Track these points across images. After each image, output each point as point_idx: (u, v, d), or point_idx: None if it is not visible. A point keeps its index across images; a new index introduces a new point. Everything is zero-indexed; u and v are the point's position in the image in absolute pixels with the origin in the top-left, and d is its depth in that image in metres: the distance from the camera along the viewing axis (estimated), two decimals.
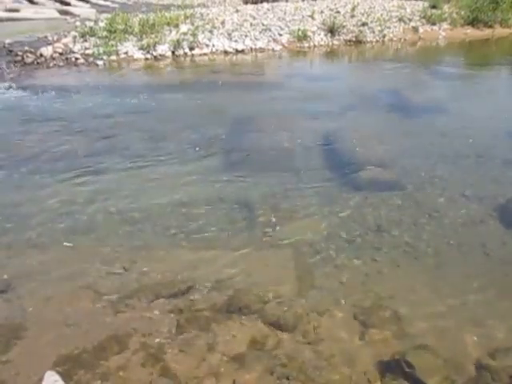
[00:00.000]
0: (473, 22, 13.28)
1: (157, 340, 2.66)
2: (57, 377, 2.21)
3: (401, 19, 12.95)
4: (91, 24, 12.04)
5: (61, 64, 9.32)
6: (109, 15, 13.87)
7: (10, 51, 9.74)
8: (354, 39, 11.95)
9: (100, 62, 9.49)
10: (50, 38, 10.86)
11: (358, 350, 2.77)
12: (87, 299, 3.01)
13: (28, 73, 8.71)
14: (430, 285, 3.36)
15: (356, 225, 4.12)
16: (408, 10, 13.48)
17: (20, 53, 9.51)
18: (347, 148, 5.45)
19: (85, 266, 3.37)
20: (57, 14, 16.63)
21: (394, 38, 12.35)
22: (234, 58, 10.51)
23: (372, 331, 2.92)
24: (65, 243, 3.68)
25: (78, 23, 13.06)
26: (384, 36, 12.23)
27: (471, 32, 13.16)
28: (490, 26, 13.35)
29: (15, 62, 9.26)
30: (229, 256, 3.60)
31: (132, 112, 6.80)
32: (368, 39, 12.07)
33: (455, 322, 3.02)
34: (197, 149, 5.52)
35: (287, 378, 2.49)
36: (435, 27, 12.94)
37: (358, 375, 2.58)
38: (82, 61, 9.52)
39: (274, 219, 4.18)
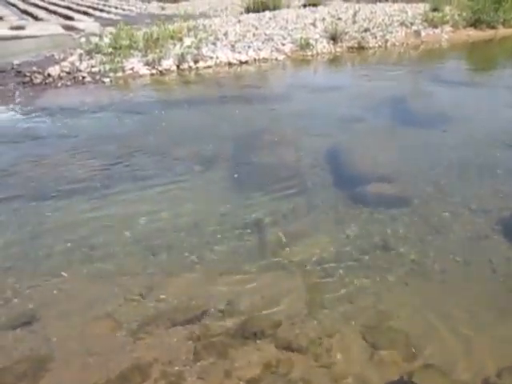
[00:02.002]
0: (475, 24, 13.33)
1: (176, 368, 2.79)
2: None
3: (402, 23, 13.03)
4: (96, 40, 12.28)
5: (68, 83, 9.52)
6: (113, 28, 14.19)
7: (19, 72, 9.97)
8: (356, 45, 12.05)
9: (107, 80, 9.69)
10: (56, 57, 11.10)
11: (368, 371, 2.88)
12: (108, 328, 3.15)
13: (37, 94, 8.91)
14: (437, 304, 3.46)
15: (364, 242, 4.23)
16: (409, 14, 13.57)
17: (28, 73, 9.74)
18: (354, 162, 5.56)
19: (103, 294, 3.52)
20: (61, 30, 16.94)
21: (397, 43, 12.43)
22: (238, 69, 10.66)
23: (381, 352, 3.02)
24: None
25: (82, 39, 13.31)
26: (386, 41, 12.31)
27: (474, 33, 13.20)
28: (493, 27, 13.39)
29: (24, 82, 9.48)
30: (241, 279, 3.73)
31: (141, 132, 6.96)
32: (370, 45, 12.16)
33: (462, 341, 3.12)
34: (205, 168, 5.67)
35: None
36: (437, 30, 13.00)
37: None
38: (89, 79, 9.72)
39: (283, 239, 4.31)
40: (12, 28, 16.96)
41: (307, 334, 3.14)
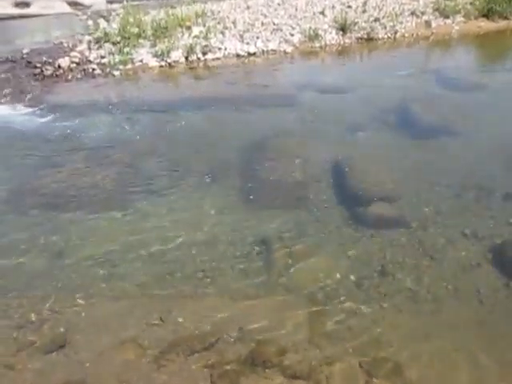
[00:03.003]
0: (488, 14, 13.14)
1: None
2: None
3: (413, 13, 12.87)
4: (104, 25, 12.27)
5: (79, 76, 9.64)
6: (119, 7, 14.08)
7: (29, 62, 10.07)
8: (365, 36, 11.97)
9: (116, 73, 9.80)
10: (65, 45, 11.14)
11: None
12: (133, 353, 3.56)
13: (48, 88, 9.07)
14: (427, 332, 3.84)
15: (364, 267, 4.57)
16: (421, 2, 13.35)
17: (39, 65, 9.84)
18: (357, 179, 5.78)
19: (126, 318, 3.91)
20: (67, 7, 16.73)
21: (406, 34, 12.32)
22: (246, 61, 10.71)
23: (375, 381, 3.43)
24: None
25: (89, 22, 13.27)
26: (396, 32, 12.21)
27: (485, 24, 13.03)
28: (506, 18, 13.19)
29: (34, 74, 9.61)
30: (250, 304, 4.11)
31: (151, 134, 7.22)
32: (379, 36, 12.07)
33: (450, 369, 3.51)
34: (212, 180, 5.96)
35: None
36: (448, 21, 12.84)
37: None
38: (98, 71, 9.83)
39: (289, 261, 4.67)
40: (17, 4, 16.76)
41: (309, 362, 3.54)
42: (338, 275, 4.47)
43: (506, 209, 5.35)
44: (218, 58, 10.71)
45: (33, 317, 3.98)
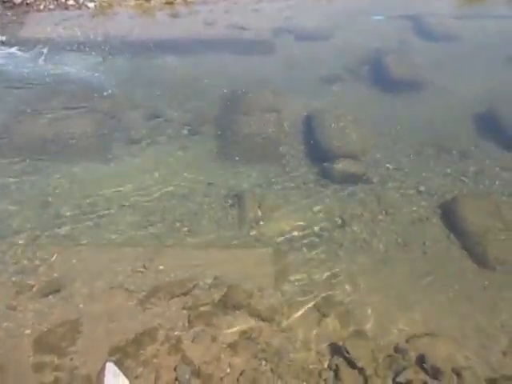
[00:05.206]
0: None
1: (176, 333, 3.82)
2: (116, 368, 3.38)
3: None
4: None
5: (51, 7, 9.24)
6: None
7: None
8: None
9: (91, 5, 9.42)
10: None
11: (316, 335, 3.98)
12: (121, 297, 4.10)
13: (19, 19, 8.74)
14: (375, 279, 4.50)
15: (326, 220, 5.13)
16: None
17: None
18: (326, 135, 6.11)
19: (113, 265, 4.41)
20: None
21: None
22: None
23: (327, 320, 4.10)
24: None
25: None
26: None
27: None
28: None
29: (3, 2, 9.15)
30: (224, 253, 4.65)
31: (128, 80, 7.26)
32: None
33: (388, 309, 4.21)
34: (190, 132, 6.23)
35: (265, 360, 3.72)
36: None
37: (314, 356, 3.81)
38: (72, 2, 9.42)
39: (259, 213, 5.17)
40: None
41: (273, 305, 4.17)
42: (301, 228, 5.02)
43: (460, 166, 5.87)
44: None
45: (27, 264, 4.44)
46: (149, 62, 7.74)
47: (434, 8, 10.00)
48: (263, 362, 3.71)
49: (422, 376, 3.57)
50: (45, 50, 7.76)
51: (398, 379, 3.59)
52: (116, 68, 7.54)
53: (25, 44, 7.97)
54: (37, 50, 7.80)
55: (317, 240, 4.91)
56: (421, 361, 3.70)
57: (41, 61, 7.54)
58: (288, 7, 9.91)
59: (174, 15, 9.38)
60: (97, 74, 7.30)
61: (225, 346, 3.78)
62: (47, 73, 7.26)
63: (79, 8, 9.35)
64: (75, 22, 8.86)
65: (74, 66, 7.48)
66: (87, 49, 7.99)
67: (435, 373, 3.57)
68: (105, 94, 6.86)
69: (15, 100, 6.68)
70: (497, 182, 5.55)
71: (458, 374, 3.55)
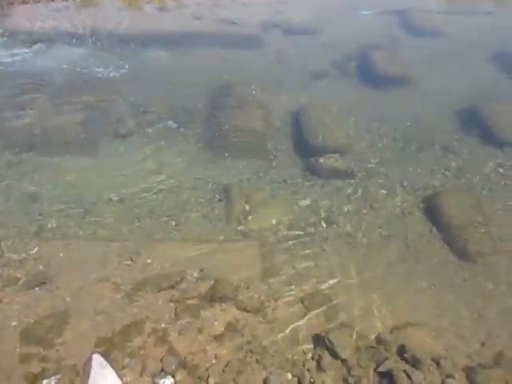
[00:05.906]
0: None
1: (163, 325, 3.87)
2: (102, 359, 3.42)
3: None
4: None
5: None
6: None
7: None
8: None
9: None
10: None
11: (300, 327, 4.06)
12: (108, 289, 4.13)
13: (4, 11, 8.62)
14: (359, 272, 4.59)
15: (312, 214, 5.21)
16: None
17: None
18: (313, 130, 6.19)
19: (101, 259, 4.43)
20: None
21: None
22: None
23: (311, 313, 4.18)
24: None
25: None
26: None
27: None
28: None
29: None
30: (210, 247, 4.70)
31: (116, 74, 7.24)
32: None
33: (371, 301, 4.30)
34: (178, 126, 6.25)
35: (251, 351, 3.79)
36: None
37: (298, 347, 3.89)
38: None
39: (246, 208, 5.23)
40: None
41: (259, 298, 4.24)
42: (288, 222, 5.09)
43: (442, 161, 6.00)
44: None
45: (14, 256, 4.44)
46: (136, 55, 7.71)
47: (421, 4, 10.12)
48: (249, 354, 3.77)
49: (403, 365, 3.68)
50: (30, 43, 7.67)
51: (380, 369, 3.69)
52: (103, 61, 7.50)
53: (10, 36, 7.87)
54: (22, 43, 7.71)
55: (303, 234, 4.98)
56: (402, 351, 3.80)
57: (26, 53, 7.46)
58: (277, 1, 9.94)
59: (162, 8, 9.35)
60: (84, 67, 7.26)
61: (211, 337, 3.84)
62: (33, 65, 7.20)
63: (66, 0, 9.25)
64: (62, 13, 8.79)
65: (61, 59, 7.43)
66: (74, 41, 7.93)
67: (415, 362, 3.68)
68: (92, 87, 6.84)
69: (0, 93, 6.63)
70: (477, 177, 5.69)
71: (437, 363, 3.67)
